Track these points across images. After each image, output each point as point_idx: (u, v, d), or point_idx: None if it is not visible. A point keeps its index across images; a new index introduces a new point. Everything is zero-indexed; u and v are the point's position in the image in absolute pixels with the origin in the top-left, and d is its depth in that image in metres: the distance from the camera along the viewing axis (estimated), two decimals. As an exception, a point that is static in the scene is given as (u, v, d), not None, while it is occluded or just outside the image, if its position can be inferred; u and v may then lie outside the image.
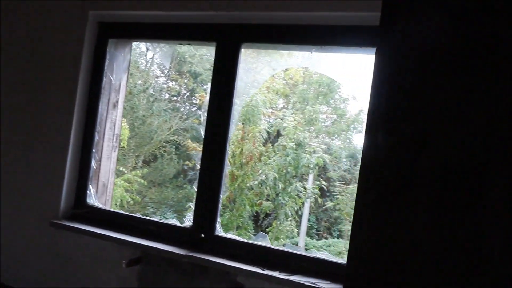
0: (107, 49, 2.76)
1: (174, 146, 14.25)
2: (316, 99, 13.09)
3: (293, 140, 10.42)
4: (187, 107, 16.34)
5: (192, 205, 2.55)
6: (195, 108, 16.12)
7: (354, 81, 13.45)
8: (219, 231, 2.39)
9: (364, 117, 14.57)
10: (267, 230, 10.61)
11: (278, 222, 10.35)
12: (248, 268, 2.14)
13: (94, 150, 2.75)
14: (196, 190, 2.46)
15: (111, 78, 2.81)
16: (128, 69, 2.98)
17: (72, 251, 2.64)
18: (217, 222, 2.38)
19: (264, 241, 2.34)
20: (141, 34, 2.74)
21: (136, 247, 2.40)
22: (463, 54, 1.33)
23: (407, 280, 1.37)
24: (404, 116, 1.42)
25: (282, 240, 9.91)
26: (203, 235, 2.39)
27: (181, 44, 2.73)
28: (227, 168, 2.46)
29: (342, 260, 2.16)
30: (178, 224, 2.53)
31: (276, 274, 2.09)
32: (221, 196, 2.40)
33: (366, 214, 1.47)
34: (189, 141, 13.57)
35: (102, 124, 2.81)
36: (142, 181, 11.07)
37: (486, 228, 1.29)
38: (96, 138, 2.76)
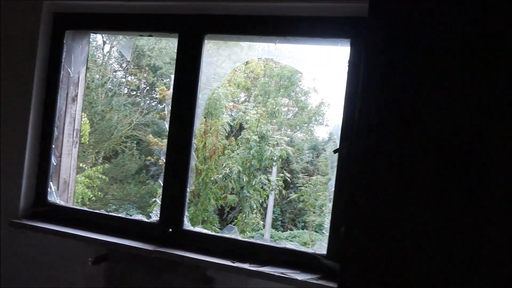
0: (64, 41, 2.65)
1: (135, 142, 14.00)
2: (278, 92, 13.16)
3: (256, 133, 10.44)
4: (147, 102, 16.07)
5: (158, 200, 2.50)
6: (156, 102, 15.88)
7: (316, 73, 13.59)
8: (187, 225, 2.36)
9: (325, 109, 14.78)
10: (233, 223, 10.62)
11: (244, 215, 10.38)
12: (217, 261, 2.12)
13: (53, 146, 2.65)
14: (162, 184, 2.41)
15: (69, 71, 2.71)
16: (87, 61, 2.88)
17: (34, 252, 2.54)
18: (184, 216, 2.35)
19: (232, 234, 2.33)
20: (100, 25, 2.64)
21: (102, 244, 2.34)
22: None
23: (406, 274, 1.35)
24: (397, 91, 1.41)
25: (248, 233, 9.95)
26: (170, 230, 2.34)
27: (142, 35, 2.66)
28: (193, 162, 2.42)
29: (311, 250, 2.17)
30: (145, 219, 2.47)
31: (246, 266, 2.08)
32: (188, 189, 2.37)
33: (359, 203, 1.45)
34: (151, 136, 13.38)
35: (61, 119, 2.70)
36: (104, 177, 10.82)
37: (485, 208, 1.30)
38: (55, 133, 2.65)
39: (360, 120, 1.47)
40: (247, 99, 13.71)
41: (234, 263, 2.10)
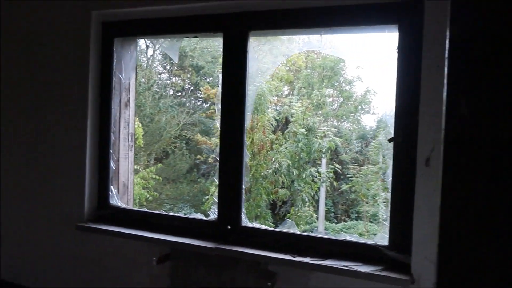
0: (114, 48, 2.73)
1: (184, 141, 14.28)
2: (321, 83, 13.01)
3: (302, 125, 10.37)
4: (193, 101, 16.34)
5: (213, 197, 2.53)
6: (201, 101, 16.11)
7: (359, 60, 13.34)
8: (245, 222, 2.37)
9: (371, 97, 14.47)
10: (286, 217, 10.62)
11: (296, 209, 10.35)
12: (278, 256, 2.12)
13: (111, 151, 2.74)
14: (217, 183, 2.44)
15: (121, 77, 2.79)
16: (136, 67, 2.96)
17: (101, 253, 2.64)
18: (242, 213, 2.37)
19: (290, 228, 2.33)
20: (147, 31, 2.70)
21: (164, 244, 2.40)
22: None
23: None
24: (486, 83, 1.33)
25: (301, 226, 9.92)
26: (229, 227, 2.37)
27: (187, 37, 2.69)
28: (246, 158, 2.43)
29: (372, 241, 2.13)
30: (203, 218, 2.51)
31: (307, 260, 2.07)
32: (243, 186, 2.38)
33: (457, 195, 1.35)
34: (199, 135, 13.58)
35: (116, 124, 2.79)
36: (157, 177, 11.10)
37: None
38: (112, 138, 2.74)
39: (449, 111, 1.39)
40: (291, 92, 13.64)
41: (295, 257, 2.10)
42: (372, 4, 2.08)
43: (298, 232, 2.28)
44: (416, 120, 1.94)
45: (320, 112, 12.08)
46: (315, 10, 2.21)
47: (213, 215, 2.46)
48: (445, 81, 1.30)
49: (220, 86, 2.46)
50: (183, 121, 14.24)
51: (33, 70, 2.86)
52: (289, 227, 2.35)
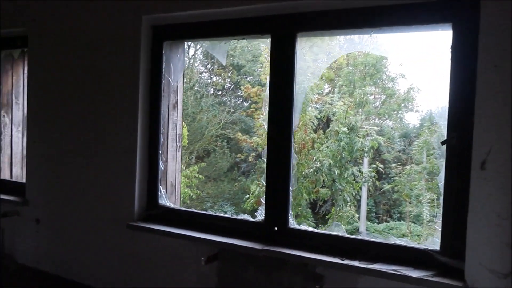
0: (163, 52, 2.79)
1: (225, 140, 14.42)
2: (363, 81, 12.82)
3: (344, 124, 10.26)
4: (233, 100, 16.48)
5: (262, 200, 2.55)
6: (241, 100, 16.23)
7: (402, 58, 13.06)
8: (293, 223, 2.38)
9: (414, 94, 14.14)
10: (326, 217, 10.56)
11: (337, 208, 10.27)
12: (326, 259, 2.12)
13: (160, 152, 2.80)
14: (264, 184, 2.46)
15: (170, 80, 2.85)
16: (184, 69, 3.01)
17: (151, 252, 2.72)
18: (289, 215, 2.38)
19: (339, 231, 2.31)
20: (195, 34, 2.75)
21: (212, 244, 2.44)
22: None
23: None
24: None
25: (343, 226, 9.83)
26: (276, 228, 2.38)
27: (235, 39, 2.72)
28: (294, 161, 2.44)
29: (423, 246, 2.09)
30: (251, 219, 2.54)
31: (356, 263, 2.06)
32: (291, 188, 2.39)
33: None
34: (239, 133, 13.68)
35: (165, 125, 2.86)
36: (201, 176, 11.29)
37: None
38: (161, 139, 2.81)
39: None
40: (332, 90, 13.52)
41: (343, 260, 2.09)
42: (425, 2, 2.03)
43: (346, 235, 2.26)
44: (471, 121, 1.88)
45: (361, 110, 11.91)
46: (364, 10, 2.18)
47: (260, 216, 2.49)
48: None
49: (267, 88, 2.47)
50: (223, 120, 14.39)
51: (86, 74, 2.97)
52: (336, 230, 2.34)
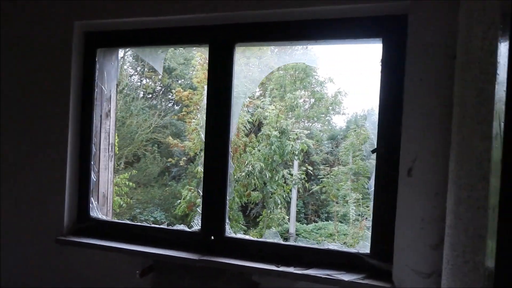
0: (96, 59, 2.71)
1: (155, 145, 14.15)
2: (293, 85, 13.14)
3: (276, 128, 10.46)
4: (164, 104, 16.20)
5: (199, 209, 2.55)
6: (172, 103, 16.00)
7: (331, 64, 13.54)
8: (229, 232, 2.41)
9: (341, 98, 14.71)
10: (257, 219, 10.69)
11: (268, 211, 10.43)
12: (263, 266, 2.16)
13: (92, 162, 2.72)
14: (201, 193, 2.46)
15: (102, 88, 2.77)
16: (118, 76, 2.94)
17: (82, 267, 2.62)
18: (226, 224, 2.40)
19: (275, 238, 2.37)
20: (130, 41, 2.68)
21: (147, 256, 2.40)
22: None
23: None
24: None
25: (274, 228, 10.00)
26: (212, 238, 2.40)
27: (173, 48, 2.69)
28: (231, 170, 2.47)
29: (354, 249, 2.20)
30: (187, 229, 2.53)
31: (291, 269, 2.12)
32: (227, 197, 2.41)
33: None
34: (170, 138, 13.49)
35: (97, 135, 2.77)
36: (131, 184, 10.98)
37: None
38: (93, 150, 2.72)
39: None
40: (263, 94, 13.72)
41: (279, 267, 2.15)
42: (357, 18, 2.14)
43: (282, 242, 2.33)
44: (399, 131, 2.01)
45: (291, 113, 12.20)
46: (301, 23, 2.25)
47: (196, 226, 2.49)
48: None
49: (205, 97, 2.47)
50: (154, 124, 14.12)
51: (14, 80, 2.79)
52: (273, 238, 2.40)
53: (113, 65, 2.82)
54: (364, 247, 2.20)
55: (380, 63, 2.12)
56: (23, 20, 2.76)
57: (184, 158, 12.66)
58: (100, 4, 2.56)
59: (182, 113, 13.76)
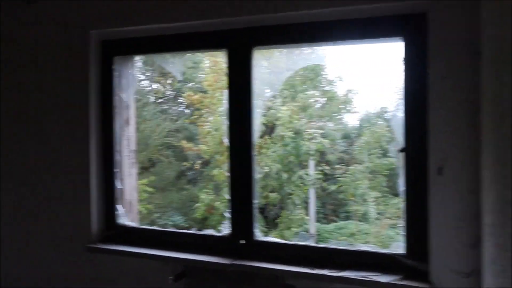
0: (114, 67, 2.71)
1: (170, 149, 14.17)
2: (304, 85, 13.06)
3: (290, 129, 10.41)
4: (175, 108, 16.21)
5: (225, 213, 2.53)
6: (183, 107, 16.00)
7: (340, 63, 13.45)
8: (259, 236, 2.38)
9: (352, 96, 14.60)
10: (276, 221, 10.62)
11: (287, 212, 10.37)
12: (296, 270, 2.14)
13: (117, 169, 2.71)
14: (229, 198, 2.44)
15: (121, 95, 2.76)
16: (136, 83, 2.93)
17: (114, 274, 2.61)
18: (255, 227, 2.37)
19: (307, 241, 2.34)
20: (148, 48, 2.69)
21: (177, 261, 2.39)
22: None
23: None
24: None
25: (294, 229, 9.93)
26: (243, 242, 2.37)
27: (190, 53, 2.68)
28: (257, 173, 2.44)
29: (388, 250, 2.16)
30: (216, 233, 2.51)
31: (326, 272, 2.09)
32: (255, 200, 2.39)
33: None
34: (184, 141, 13.48)
35: (120, 142, 2.77)
36: (151, 189, 10.95)
37: None
38: (117, 157, 2.72)
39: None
40: (274, 95, 13.64)
41: (313, 270, 2.12)
42: (377, 17, 2.11)
43: (314, 244, 2.30)
44: (425, 130, 1.98)
45: (304, 114, 12.12)
46: (319, 24, 2.23)
47: (225, 230, 2.46)
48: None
49: (226, 102, 2.45)
50: (167, 128, 14.14)
51: (33, 91, 2.81)
52: (305, 240, 2.37)
53: (130, 72, 2.81)
54: (398, 247, 2.15)
55: (403, 62, 2.09)
56: (40, 31, 2.77)
57: (199, 161, 12.63)
58: (116, 12, 2.57)
59: (194, 117, 13.74)
